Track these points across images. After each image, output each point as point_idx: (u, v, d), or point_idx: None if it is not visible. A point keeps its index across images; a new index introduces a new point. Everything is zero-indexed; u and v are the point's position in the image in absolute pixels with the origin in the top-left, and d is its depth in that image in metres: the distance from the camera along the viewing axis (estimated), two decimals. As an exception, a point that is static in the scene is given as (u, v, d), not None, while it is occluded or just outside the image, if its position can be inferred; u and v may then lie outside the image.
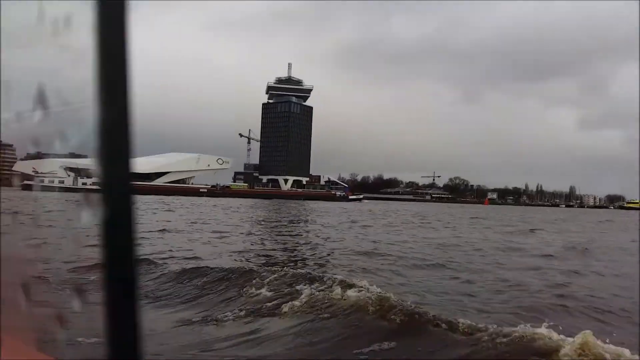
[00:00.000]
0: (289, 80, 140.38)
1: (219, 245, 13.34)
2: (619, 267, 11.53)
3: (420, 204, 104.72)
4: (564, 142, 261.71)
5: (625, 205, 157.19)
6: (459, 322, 4.83)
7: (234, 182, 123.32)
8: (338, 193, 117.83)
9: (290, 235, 17.62)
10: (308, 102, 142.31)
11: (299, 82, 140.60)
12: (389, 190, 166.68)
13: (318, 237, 17.02)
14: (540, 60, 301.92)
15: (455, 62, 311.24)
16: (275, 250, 12.92)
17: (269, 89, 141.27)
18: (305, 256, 12.01)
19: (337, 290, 5.96)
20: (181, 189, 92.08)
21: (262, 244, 14.49)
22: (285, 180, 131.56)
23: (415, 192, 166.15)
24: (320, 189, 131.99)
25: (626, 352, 3.96)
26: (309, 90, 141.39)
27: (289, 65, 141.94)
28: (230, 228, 18.44)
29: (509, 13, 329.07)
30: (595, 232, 25.64)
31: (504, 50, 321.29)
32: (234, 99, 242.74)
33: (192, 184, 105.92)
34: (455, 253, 12.98)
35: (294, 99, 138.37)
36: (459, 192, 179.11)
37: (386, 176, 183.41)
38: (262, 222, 24.30)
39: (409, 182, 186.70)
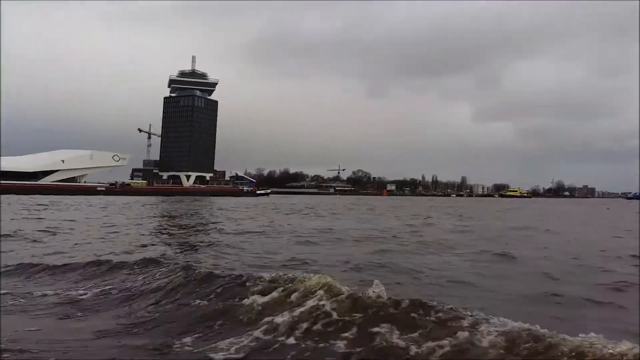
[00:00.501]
0: (192, 73, 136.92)
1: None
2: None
3: (323, 197, 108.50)
4: (459, 135, 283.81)
5: (506, 193, 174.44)
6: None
7: (132, 179, 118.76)
8: (245, 188, 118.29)
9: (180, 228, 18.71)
10: (213, 97, 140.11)
11: (203, 76, 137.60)
12: (294, 184, 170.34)
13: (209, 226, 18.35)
14: (440, 55, 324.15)
15: (362, 57, 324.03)
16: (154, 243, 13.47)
17: (171, 82, 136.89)
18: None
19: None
20: (74, 187, 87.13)
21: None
22: (188, 177, 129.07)
23: (320, 185, 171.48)
24: (225, 184, 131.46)
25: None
26: (214, 84, 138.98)
27: (193, 58, 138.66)
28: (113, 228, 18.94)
29: (414, 11, 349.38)
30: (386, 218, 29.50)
31: (408, 46, 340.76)
32: (134, 93, 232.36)
33: (84, 182, 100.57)
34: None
35: (197, 93, 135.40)
36: (361, 184, 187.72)
37: (292, 170, 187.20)
38: (153, 219, 24.85)
39: (315, 175, 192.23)
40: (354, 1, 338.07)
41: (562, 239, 15.55)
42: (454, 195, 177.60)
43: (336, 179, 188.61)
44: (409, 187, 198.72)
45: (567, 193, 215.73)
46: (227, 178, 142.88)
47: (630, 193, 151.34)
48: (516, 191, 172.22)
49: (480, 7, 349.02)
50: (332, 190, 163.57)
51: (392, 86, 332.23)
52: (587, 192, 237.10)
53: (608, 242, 14.92)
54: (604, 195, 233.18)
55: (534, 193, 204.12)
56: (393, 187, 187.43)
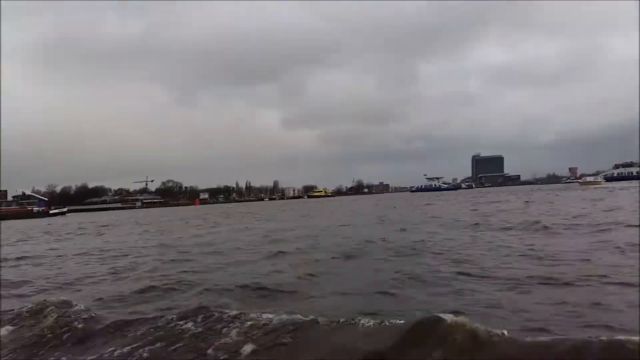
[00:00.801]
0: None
1: None
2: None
3: (128, 212, 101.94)
4: (270, 141, 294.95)
5: (312, 194, 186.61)
6: None
7: None
8: (35, 208, 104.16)
9: None
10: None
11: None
12: (95, 199, 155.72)
13: None
14: (249, 64, 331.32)
15: (167, 63, 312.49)
16: None
17: None
18: None
19: None
20: None
21: None
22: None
23: (125, 199, 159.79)
24: (7, 205, 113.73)
25: None
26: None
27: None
28: None
29: (219, 17, 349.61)
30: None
31: (216, 53, 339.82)
32: None
33: None
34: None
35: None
36: (172, 195, 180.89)
37: (91, 185, 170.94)
38: None
39: (119, 189, 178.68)
40: (158, 1, 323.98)
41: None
42: (267, 200, 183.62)
43: (144, 191, 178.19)
44: (223, 195, 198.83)
45: (366, 190, 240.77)
46: (9, 198, 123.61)
47: (414, 187, 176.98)
48: (321, 191, 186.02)
49: (288, 20, 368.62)
50: (139, 203, 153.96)
51: (201, 94, 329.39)
52: (383, 188, 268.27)
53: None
54: (396, 190, 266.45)
55: (339, 192, 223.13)
56: (206, 196, 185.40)
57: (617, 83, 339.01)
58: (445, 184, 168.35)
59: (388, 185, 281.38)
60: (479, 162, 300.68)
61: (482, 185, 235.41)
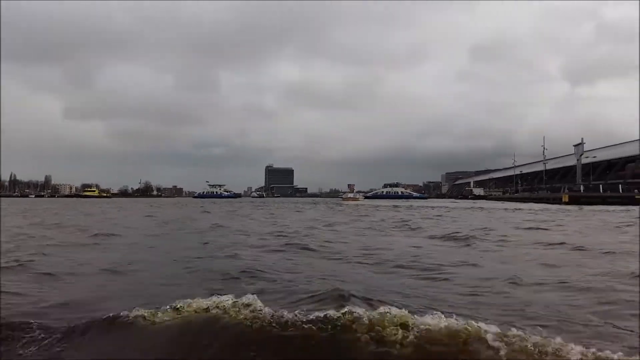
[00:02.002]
0: None
1: None
2: None
3: None
4: (47, 131, 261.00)
5: (83, 193, 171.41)
6: None
7: None
8: None
9: None
10: None
11: None
12: None
13: None
14: (27, 42, 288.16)
15: None
16: None
17: None
18: None
19: None
20: None
21: None
22: None
23: None
24: None
25: None
26: None
27: None
28: None
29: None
30: None
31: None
32: None
33: None
34: None
35: None
36: None
37: None
38: None
39: None
40: None
41: None
42: (33, 196, 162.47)
43: None
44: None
45: (155, 192, 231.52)
46: None
47: (196, 193, 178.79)
48: (94, 191, 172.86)
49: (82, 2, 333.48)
50: None
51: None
52: (176, 192, 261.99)
53: None
54: (189, 194, 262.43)
55: (125, 193, 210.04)
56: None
57: (389, 112, 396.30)
58: (226, 191, 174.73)
59: (182, 189, 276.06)
60: (271, 173, 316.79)
61: (273, 195, 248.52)
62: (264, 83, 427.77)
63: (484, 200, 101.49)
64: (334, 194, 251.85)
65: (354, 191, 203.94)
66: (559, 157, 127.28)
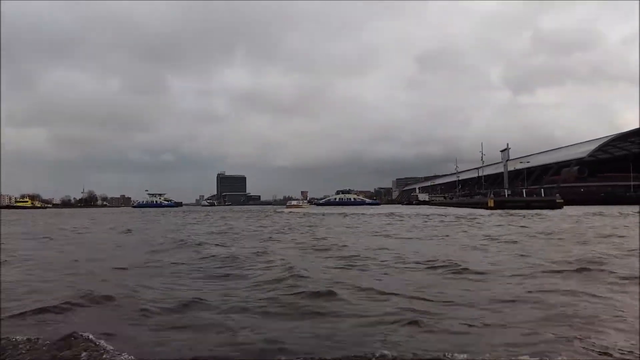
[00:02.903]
0: None
1: None
2: None
3: None
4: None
5: (14, 204, 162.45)
6: None
7: None
8: None
9: None
10: None
11: None
12: None
13: None
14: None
15: None
16: None
17: None
18: None
19: None
20: None
21: None
22: None
23: None
24: None
25: None
26: None
27: None
28: None
29: None
30: None
31: None
32: None
33: None
34: None
35: None
36: None
37: None
38: None
39: None
40: None
41: None
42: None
43: None
44: None
45: (100, 202, 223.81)
46: None
47: (135, 202, 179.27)
48: (27, 202, 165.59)
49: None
50: None
51: None
52: (124, 201, 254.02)
53: None
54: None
55: (67, 203, 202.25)
56: None
57: (341, 118, 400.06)
58: (166, 200, 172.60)
59: (130, 198, 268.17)
60: (223, 180, 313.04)
61: (224, 204, 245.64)
62: (215, 88, 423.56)
63: (427, 206, 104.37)
64: (288, 201, 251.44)
65: (307, 198, 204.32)
66: (498, 163, 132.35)
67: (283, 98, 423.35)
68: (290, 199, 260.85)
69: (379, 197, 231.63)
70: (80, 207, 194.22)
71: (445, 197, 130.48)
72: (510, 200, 63.16)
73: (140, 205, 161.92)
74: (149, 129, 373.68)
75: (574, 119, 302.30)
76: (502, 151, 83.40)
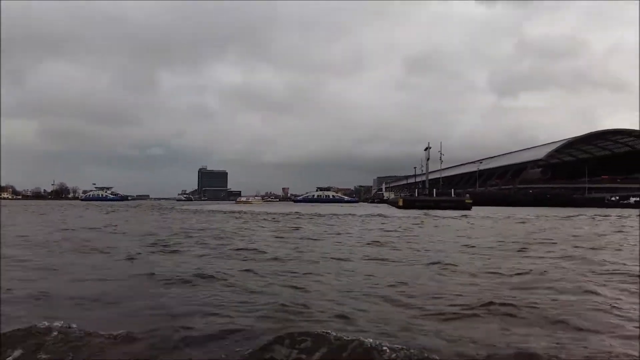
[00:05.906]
0: None
1: None
2: None
3: None
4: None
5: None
6: None
7: None
8: None
9: None
10: None
11: None
12: None
13: None
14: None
15: None
16: None
17: None
18: None
19: None
20: None
21: None
22: None
23: None
24: None
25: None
26: None
27: None
28: None
29: None
30: None
31: None
32: None
33: None
34: None
35: None
36: None
37: None
38: None
39: None
40: None
41: None
42: None
43: None
44: None
45: (72, 195, 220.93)
46: None
47: (83, 195, 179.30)
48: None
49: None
50: None
51: None
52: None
53: None
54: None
55: (38, 195, 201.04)
56: None
57: (329, 117, 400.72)
58: (113, 194, 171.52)
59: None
60: (204, 176, 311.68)
61: (201, 199, 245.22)
62: (206, 85, 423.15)
63: (385, 205, 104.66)
64: (268, 197, 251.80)
65: (288, 194, 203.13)
66: (465, 164, 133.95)
67: (274, 96, 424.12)
68: (271, 194, 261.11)
69: (359, 194, 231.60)
70: (50, 199, 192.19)
71: (400, 197, 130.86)
72: (419, 200, 64.58)
73: (87, 198, 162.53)
74: (138, 124, 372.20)
75: (557, 123, 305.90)
76: (425, 149, 80.00)
